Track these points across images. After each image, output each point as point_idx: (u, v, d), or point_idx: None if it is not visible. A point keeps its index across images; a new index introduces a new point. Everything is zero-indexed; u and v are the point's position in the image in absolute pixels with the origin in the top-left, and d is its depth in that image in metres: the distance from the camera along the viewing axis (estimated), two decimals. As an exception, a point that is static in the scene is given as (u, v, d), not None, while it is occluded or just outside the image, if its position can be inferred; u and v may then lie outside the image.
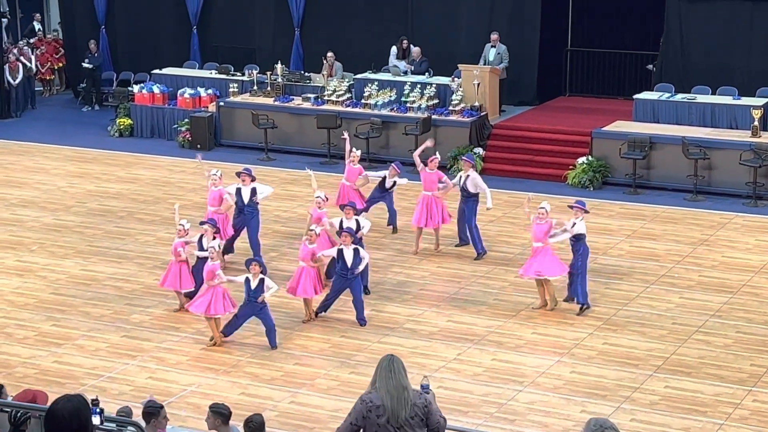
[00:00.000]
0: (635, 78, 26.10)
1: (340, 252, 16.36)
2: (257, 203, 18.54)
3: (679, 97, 23.95)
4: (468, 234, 19.18)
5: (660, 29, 25.33)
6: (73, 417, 5.76)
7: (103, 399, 9.44)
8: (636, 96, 24.32)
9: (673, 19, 24.94)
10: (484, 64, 25.26)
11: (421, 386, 8.01)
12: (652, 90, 24.61)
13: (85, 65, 29.61)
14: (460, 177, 19.08)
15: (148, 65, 28.79)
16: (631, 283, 17.89)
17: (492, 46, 25.46)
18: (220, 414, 10.60)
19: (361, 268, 16.33)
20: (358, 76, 26.09)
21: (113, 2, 30.31)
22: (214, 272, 15.72)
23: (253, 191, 18.44)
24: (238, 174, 18.66)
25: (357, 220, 17.42)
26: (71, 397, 5.85)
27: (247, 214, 18.47)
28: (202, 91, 27.05)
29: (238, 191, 18.44)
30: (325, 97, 25.64)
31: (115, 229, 20.71)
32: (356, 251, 16.30)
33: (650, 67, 25.27)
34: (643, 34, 26.45)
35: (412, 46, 26.30)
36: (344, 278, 16.38)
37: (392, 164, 19.89)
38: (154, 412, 10.54)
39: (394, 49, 26.47)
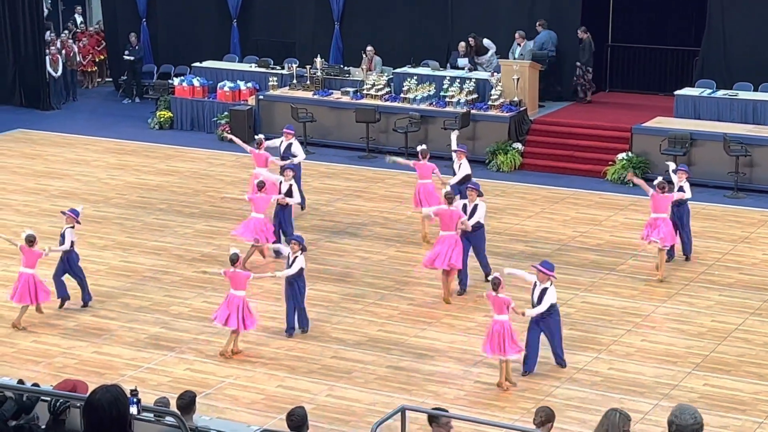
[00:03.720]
0: (676, 73, 25.91)
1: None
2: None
3: (721, 93, 23.77)
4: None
5: (702, 25, 25.15)
6: (111, 407, 5.79)
7: (141, 390, 9.46)
8: (677, 92, 24.16)
9: (715, 14, 24.74)
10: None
11: None
12: (694, 86, 24.44)
13: (126, 57, 29.77)
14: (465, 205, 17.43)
15: (189, 58, 28.92)
16: (670, 281, 17.77)
17: (518, 45, 25.36)
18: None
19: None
20: (398, 70, 26.05)
21: (154, -5, 30.47)
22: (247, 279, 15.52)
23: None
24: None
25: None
26: (109, 387, 5.88)
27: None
28: (241, 84, 27.12)
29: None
30: (364, 91, 25.63)
31: (154, 221, 20.81)
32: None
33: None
34: (684, 30, 26.26)
35: (482, 42, 25.93)
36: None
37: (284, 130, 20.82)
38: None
39: (462, 44, 26.16)
